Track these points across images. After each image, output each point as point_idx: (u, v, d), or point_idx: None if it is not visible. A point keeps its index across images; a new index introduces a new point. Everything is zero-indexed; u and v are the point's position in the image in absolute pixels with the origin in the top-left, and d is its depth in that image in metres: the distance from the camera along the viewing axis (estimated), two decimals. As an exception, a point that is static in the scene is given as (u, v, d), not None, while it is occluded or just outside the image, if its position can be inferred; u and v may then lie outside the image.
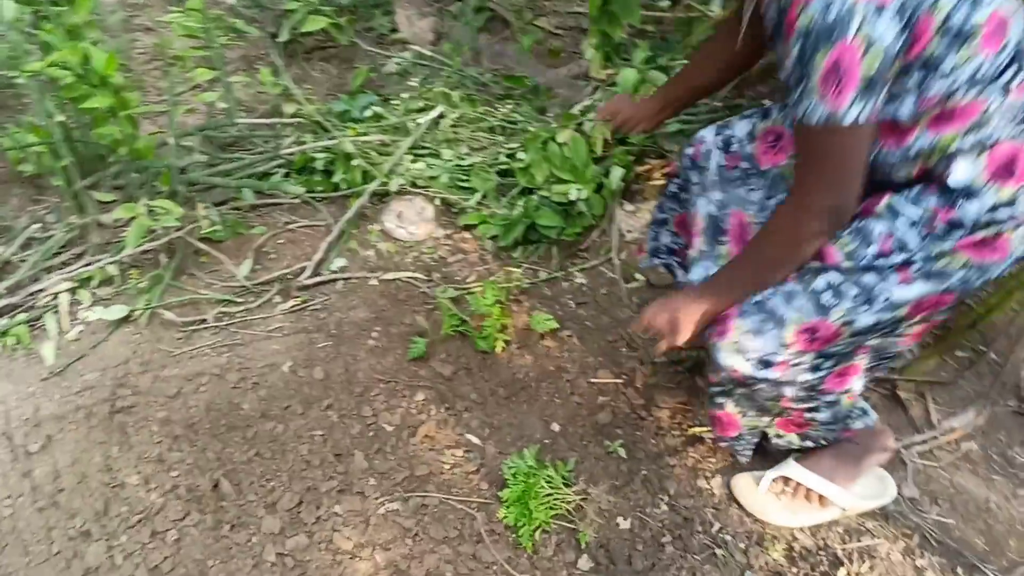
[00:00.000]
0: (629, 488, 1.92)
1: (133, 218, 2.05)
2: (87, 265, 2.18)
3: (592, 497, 1.88)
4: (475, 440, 1.98)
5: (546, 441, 1.99)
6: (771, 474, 1.86)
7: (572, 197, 2.33)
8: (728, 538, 1.83)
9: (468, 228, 2.41)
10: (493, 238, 2.38)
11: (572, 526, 1.84)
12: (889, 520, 1.85)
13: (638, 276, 2.35)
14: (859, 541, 1.82)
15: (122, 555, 1.74)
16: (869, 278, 1.40)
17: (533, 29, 2.84)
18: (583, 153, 2.34)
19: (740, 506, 1.88)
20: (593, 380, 2.12)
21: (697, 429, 2.00)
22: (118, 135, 2.04)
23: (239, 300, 2.20)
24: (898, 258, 1.39)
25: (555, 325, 2.16)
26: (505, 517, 1.84)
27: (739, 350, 1.48)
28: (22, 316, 2.11)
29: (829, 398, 1.62)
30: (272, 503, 1.83)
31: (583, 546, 1.81)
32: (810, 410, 1.66)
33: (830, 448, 1.82)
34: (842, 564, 1.77)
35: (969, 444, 2.00)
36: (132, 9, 3.04)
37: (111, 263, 2.17)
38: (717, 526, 1.86)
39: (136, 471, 1.87)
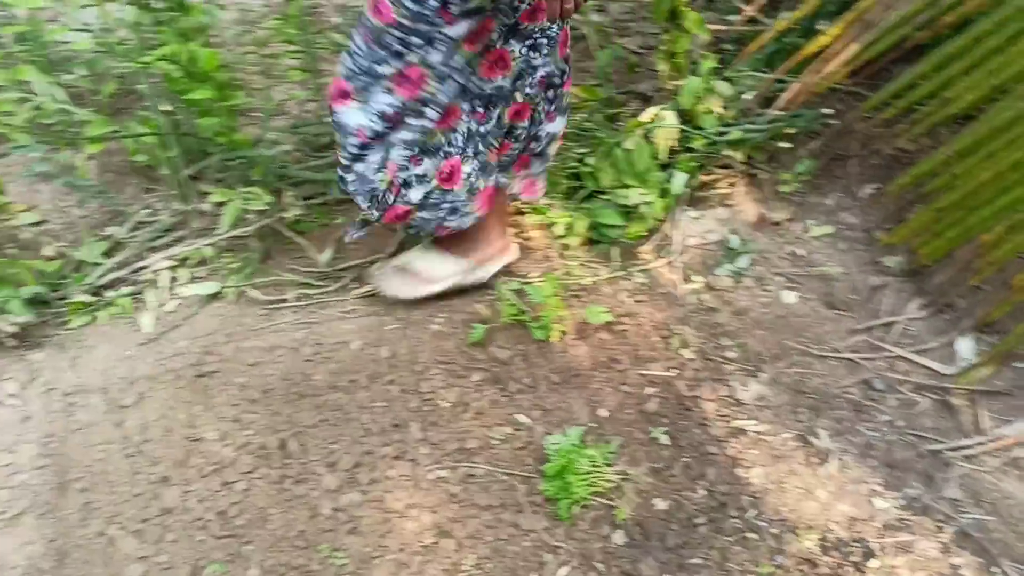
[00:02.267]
0: (669, 472, 1.99)
1: (228, 202, 2.26)
2: (186, 247, 2.41)
3: (631, 478, 1.96)
4: (524, 420, 2.09)
5: (592, 424, 2.08)
6: (394, 262, 2.29)
7: (634, 201, 2.42)
8: (762, 524, 1.88)
9: (536, 227, 2.53)
10: (558, 237, 2.49)
11: (610, 503, 1.92)
12: (928, 516, 1.85)
13: (696, 278, 2.42)
14: (895, 535, 1.83)
15: (195, 499, 1.92)
16: (423, 26, 1.71)
17: (613, 47, 2.96)
18: (647, 159, 2.44)
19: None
20: (644, 372, 2.20)
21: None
22: (218, 127, 2.27)
23: (318, 284, 2.38)
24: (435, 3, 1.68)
25: (610, 318, 2.25)
26: (546, 491, 1.94)
27: (360, 107, 1.84)
28: (127, 289, 2.35)
29: (426, 184, 1.98)
30: (332, 463, 1.99)
31: (619, 522, 1.89)
32: (406, 195, 2.00)
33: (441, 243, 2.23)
34: (875, 556, 1.79)
35: (1020, 451, 1.98)
36: (248, 25, 3.32)
37: (207, 245, 2.40)
38: (752, 512, 1.90)
39: (214, 428, 2.05)
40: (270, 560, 1.83)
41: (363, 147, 1.92)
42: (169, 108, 2.26)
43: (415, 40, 1.75)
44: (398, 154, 1.94)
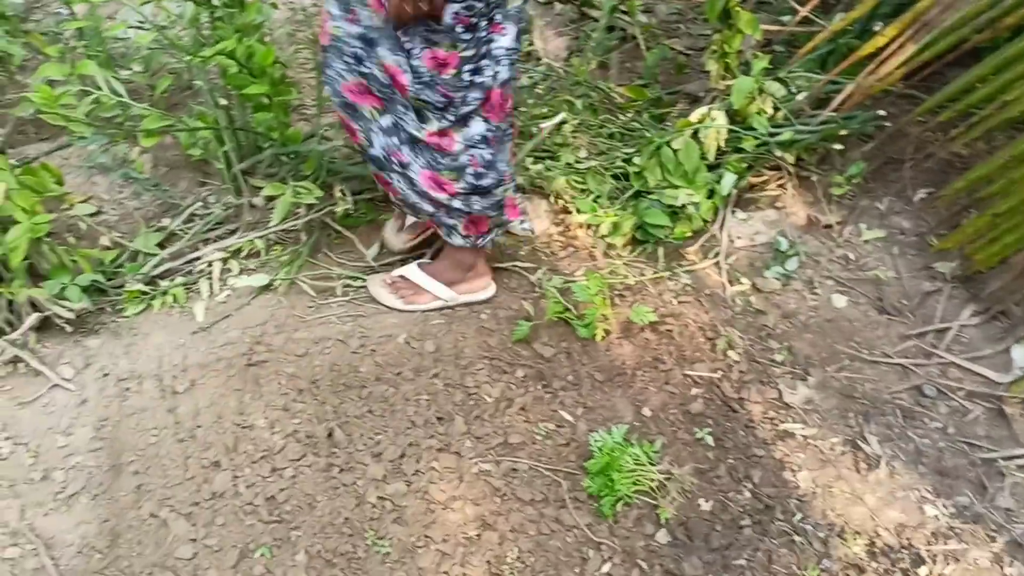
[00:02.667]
0: (714, 473, 1.98)
1: (280, 195, 2.30)
2: (238, 239, 2.45)
3: (676, 478, 1.95)
4: (568, 417, 2.10)
5: (636, 423, 2.08)
6: (394, 273, 2.32)
7: (681, 201, 2.42)
8: (808, 528, 1.86)
9: (581, 226, 2.54)
10: (603, 236, 2.49)
11: (653, 502, 1.92)
12: (980, 525, 1.82)
13: (743, 279, 2.40)
14: (945, 543, 1.80)
15: (244, 484, 1.96)
16: (483, 48, 1.81)
17: (661, 47, 2.96)
18: (695, 159, 2.43)
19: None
20: (688, 372, 2.19)
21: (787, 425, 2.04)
22: (272, 122, 2.31)
23: (365, 277, 2.41)
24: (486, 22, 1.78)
25: (654, 318, 2.24)
26: (589, 487, 1.94)
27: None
28: (180, 279, 2.39)
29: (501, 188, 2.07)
30: (378, 453, 2.01)
31: (662, 521, 1.89)
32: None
33: (445, 258, 2.29)
34: (924, 563, 1.77)
35: (1076, 462, 1.94)
36: (298, 25, 3.38)
37: (259, 238, 2.44)
38: (799, 516, 1.89)
39: (263, 416, 2.08)
40: (316, 546, 1.85)
41: (478, 175, 2.01)
42: (224, 103, 2.31)
43: (483, 63, 1.84)
44: (504, 166, 2.05)
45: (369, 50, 1.86)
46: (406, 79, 1.84)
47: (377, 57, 1.85)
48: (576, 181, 2.55)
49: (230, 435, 2.05)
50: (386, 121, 1.98)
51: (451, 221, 2.14)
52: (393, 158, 2.02)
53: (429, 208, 2.11)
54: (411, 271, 2.32)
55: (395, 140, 2.00)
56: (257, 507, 1.92)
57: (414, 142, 1.98)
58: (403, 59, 1.82)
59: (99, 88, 2.32)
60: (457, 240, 2.18)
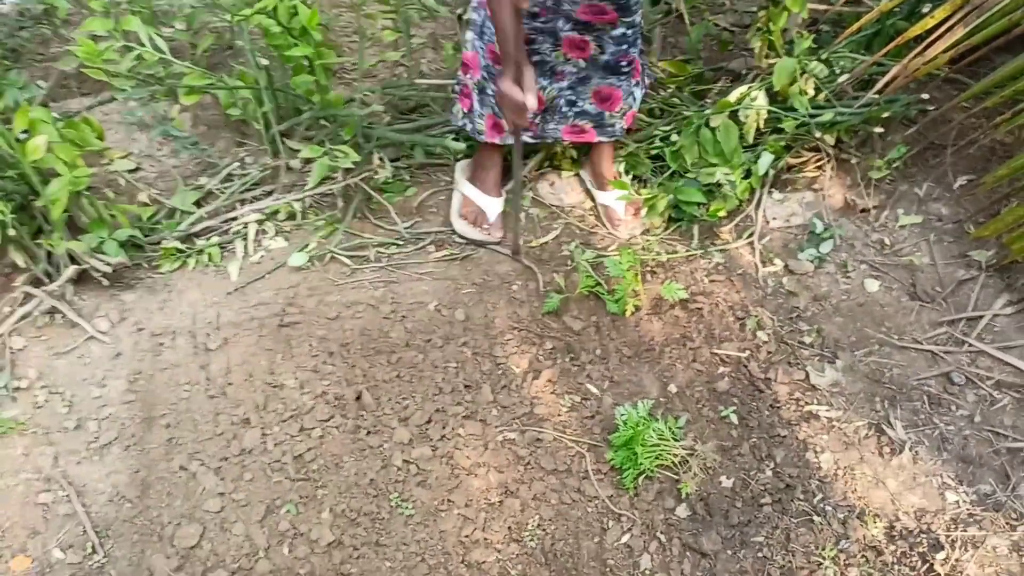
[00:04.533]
0: (736, 451, 1.99)
1: (317, 158, 2.32)
2: (274, 200, 2.47)
3: (698, 454, 1.96)
4: (594, 390, 2.11)
5: (661, 399, 2.09)
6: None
7: (718, 179, 2.40)
8: (828, 508, 1.86)
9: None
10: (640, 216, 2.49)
11: (675, 477, 1.93)
12: (1001, 514, 1.81)
13: (776, 260, 2.39)
14: (965, 530, 1.80)
15: (273, 442, 2.00)
16: None
17: (705, 23, 2.93)
18: (733, 139, 2.41)
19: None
20: (716, 351, 2.19)
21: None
22: (312, 85, 2.32)
23: (399, 243, 2.42)
24: None
25: (684, 295, 2.24)
26: (612, 460, 1.96)
27: None
28: (216, 239, 2.43)
29: None
30: (405, 418, 2.04)
31: (683, 496, 1.90)
32: None
33: None
34: (942, 548, 1.77)
35: (1105, 457, 1.92)
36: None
37: (296, 200, 2.46)
38: (819, 496, 1.89)
39: (294, 376, 2.12)
40: (341, 505, 1.89)
41: None
42: (265, 63, 2.32)
43: None
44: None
45: None
46: None
47: None
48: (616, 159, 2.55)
49: (260, 393, 2.09)
50: None
51: None
52: None
53: None
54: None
55: None
56: (285, 465, 1.96)
57: None
58: None
59: (142, 44, 2.35)
60: None
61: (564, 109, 2.33)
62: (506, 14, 1.87)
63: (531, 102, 1.99)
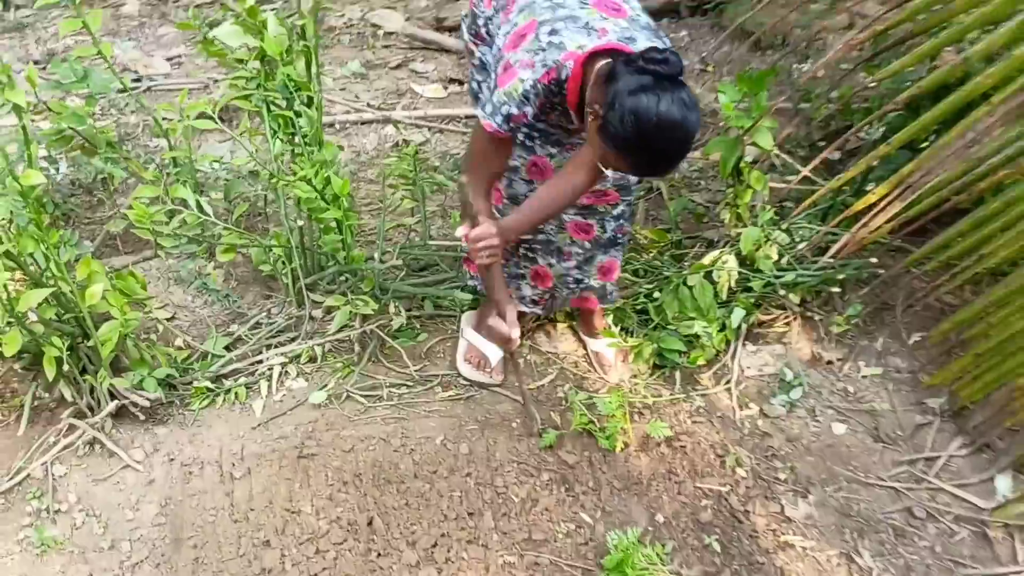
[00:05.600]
0: (719, 576, 2.16)
1: (340, 307, 2.61)
2: (298, 345, 2.74)
3: (684, 577, 2.14)
4: (587, 519, 2.30)
5: (649, 528, 2.27)
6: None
7: (696, 330, 2.69)
8: (804, 628, 2.02)
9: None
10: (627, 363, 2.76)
11: (663, 599, 2.10)
12: (961, 633, 1.97)
13: (751, 404, 2.64)
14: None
15: (291, 563, 2.16)
16: None
17: (682, 199, 3.32)
18: (708, 296, 2.71)
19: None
20: (699, 485, 2.40)
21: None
22: (338, 244, 2.65)
23: (409, 384, 2.67)
24: None
25: (669, 433, 2.46)
26: (605, 582, 2.12)
27: None
28: (243, 379, 2.67)
29: None
30: (412, 541, 2.21)
31: (671, 617, 2.06)
32: None
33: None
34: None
35: (1054, 582, 2.10)
36: (361, 166, 3.79)
37: (317, 344, 2.73)
38: (796, 618, 2.05)
39: (311, 503, 2.31)
40: (354, 621, 2.04)
41: None
42: (300, 224, 2.66)
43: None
44: None
45: None
46: None
47: None
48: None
49: (280, 518, 2.27)
50: None
51: None
52: None
53: None
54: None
55: None
56: (302, 583, 2.12)
57: None
58: None
59: (186, 209, 2.68)
60: None
61: (572, 286, 2.60)
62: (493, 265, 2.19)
63: (515, 334, 2.26)
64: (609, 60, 1.85)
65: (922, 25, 2.42)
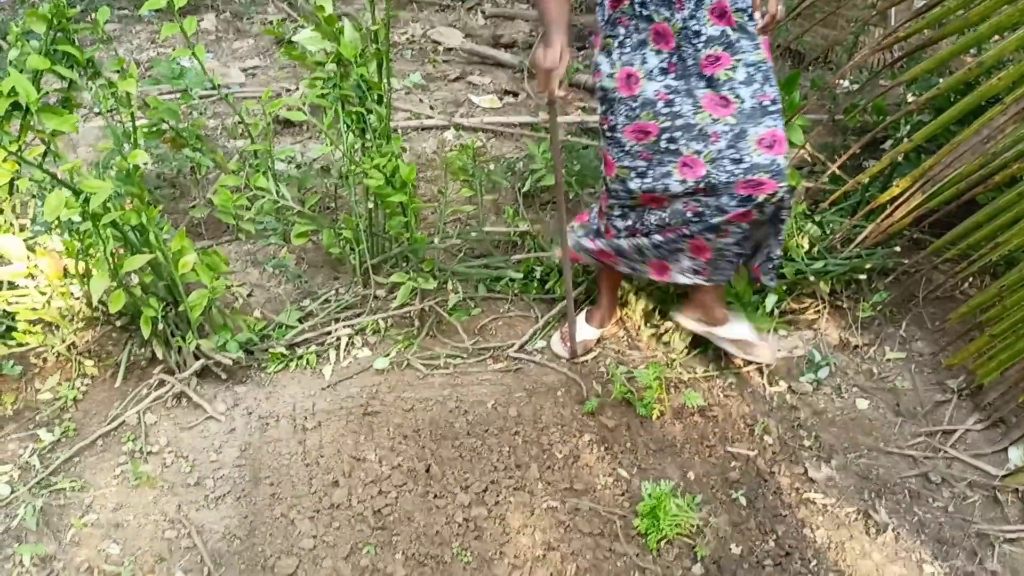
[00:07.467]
0: (744, 525, 2.36)
1: (403, 283, 2.87)
2: (363, 319, 3.01)
3: (712, 525, 2.34)
4: (624, 474, 2.51)
5: (681, 483, 2.48)
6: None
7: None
8: (822, 572, 2.21)
9: (648, 336, 3.03)
10: (665, 343, 2.97)
11: (691, 543, 2.30)
12: (967, 578, 2.15)
13: (781, 382, 2.83)
14: (938, 590, 2.13)
15: (356, 500, 2.41)
16: None
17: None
18: (744, 282, 2.93)
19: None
20: (729, 449, 2.60)
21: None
22: (402, 227, 2.92)
23: (463, 356, 2.92)
24: None
25: (702, 403, 2.68)
26: (638, 526, 2.34)
27: None
28: (314, 348, 2.95)
29: None
30: (465, 486, 2.45)
31: (699, 558, 2.26)
32: None
33: None
34: (918, 602, 2.09)
35: (1058, 539, 2.26)
36: (421, 167, 4.09)
37: (380, 318, 3.00)
38: (814, 563, 2.24)
39: (374, 452, 2.56)
40: (412, 549, 2.27)
41: None
42: (369, 208, 2.94)
43: None
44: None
45: None
46: None
47: None
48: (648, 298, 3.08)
49: (347, 464, 2.52)
50: None
51: None
52: None
53: None
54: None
55: None
56: (366, 517, 2.36)
57: None
58: None
59: (265, 196, 2.97)
60: None
61: (730, 169, 2.30)
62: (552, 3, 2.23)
63: (550, 58, 2.20)
64: None
65: (940, 33, 2.64)
